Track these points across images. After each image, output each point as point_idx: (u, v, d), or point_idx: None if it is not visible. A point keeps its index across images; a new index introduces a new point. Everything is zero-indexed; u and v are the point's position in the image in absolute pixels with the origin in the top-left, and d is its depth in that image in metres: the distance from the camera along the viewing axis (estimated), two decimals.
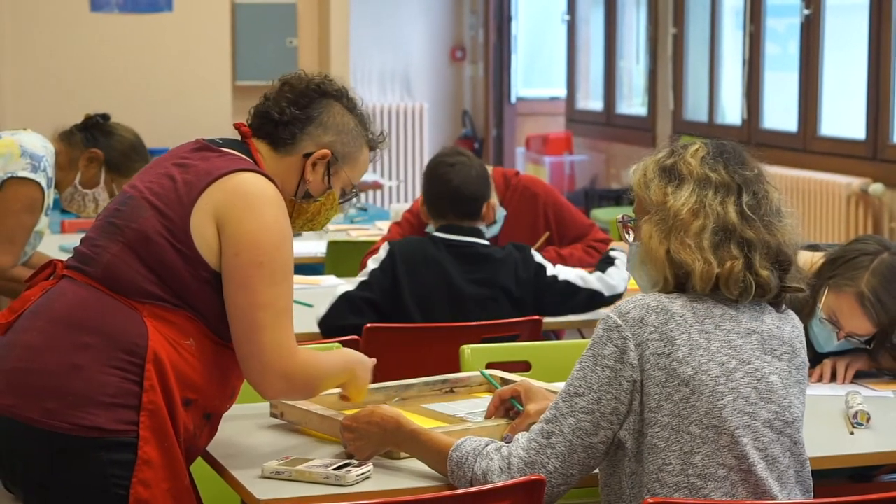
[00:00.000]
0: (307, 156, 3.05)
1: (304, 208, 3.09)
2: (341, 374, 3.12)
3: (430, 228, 4.63)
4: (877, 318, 3.61)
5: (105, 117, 4.76)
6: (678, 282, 2.77)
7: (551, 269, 4.59)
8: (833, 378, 3.73)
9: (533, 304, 4.52)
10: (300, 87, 3.08)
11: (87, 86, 9.46)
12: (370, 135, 3.15)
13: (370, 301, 4.41)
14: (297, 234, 3.14)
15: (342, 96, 3.12)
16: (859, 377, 3.74)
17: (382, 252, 4.46)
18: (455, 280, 4.44)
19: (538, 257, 4.59)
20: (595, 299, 4.64)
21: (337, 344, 3.85)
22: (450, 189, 4.55)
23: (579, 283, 4.61)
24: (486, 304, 4.44)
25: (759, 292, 2.77)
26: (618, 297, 4.64)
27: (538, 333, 4.42)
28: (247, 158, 3.00)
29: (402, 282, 4.41)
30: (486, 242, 4.54)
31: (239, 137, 3.08)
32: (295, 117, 3.05)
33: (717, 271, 2.73)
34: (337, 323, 4.40)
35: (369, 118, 3.17)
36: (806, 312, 3.62)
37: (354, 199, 3.19)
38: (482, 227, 4.61)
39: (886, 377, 3.76)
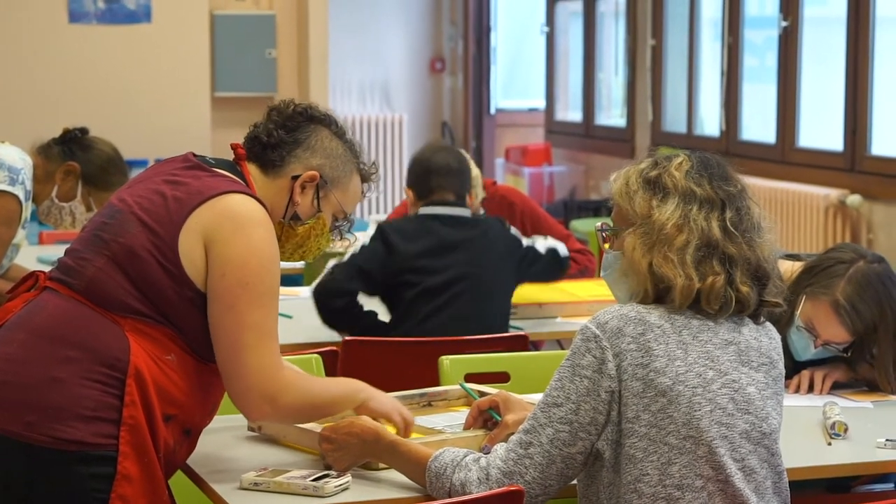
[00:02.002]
0: (295, 178, 3.06)
1: (292, 231, 3.08)
2: (346, 401, 3.08)
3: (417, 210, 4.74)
4: (852, 325, 3.63)
5: (83, 131, 4.75)
6: (658, 295, 2.78)
7: (525, 241, 4.73)
8: (811, 389, 3.74)
9: (512, 267, 4.66)
10: (287, 111, 3.11)
11: (65, 97, 9.45)
12: (361, 164, 3.16)
13: (363, 270, 4.53)
14: (286, 260, 3.13)
15: (331, 123, 3.14)
16: (837, 388, 3.75)
17: (371, 229, 4.64)
18: (445, 238, 4.57)
19: (513, 230, 4.73)
20: (557, 256, 4.79)
21: (316, 355, 3.85)
22: (434, 166, 4.67)
23: (539, 247, 4.76)
24: (467, 266, 4.56)
25: (738, 307, 2.78)
26: (566, 258, 4.82)
27: (524, 349, 4.42)
28: (238, 180, 3.00)
29: (396, 247, 4.53)
30: (468, 211, 4.67)
31: (231, 158, 3.09)
32: (282, 140, 3.06)
33: (699, 286, 2.74)
34: (335, 287, 4.54)
35: (360, 147, 3.18)
36: (784, 321, 3.63)
37: (347, 228, 3.17)
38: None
39: (864, 388, 3.77)
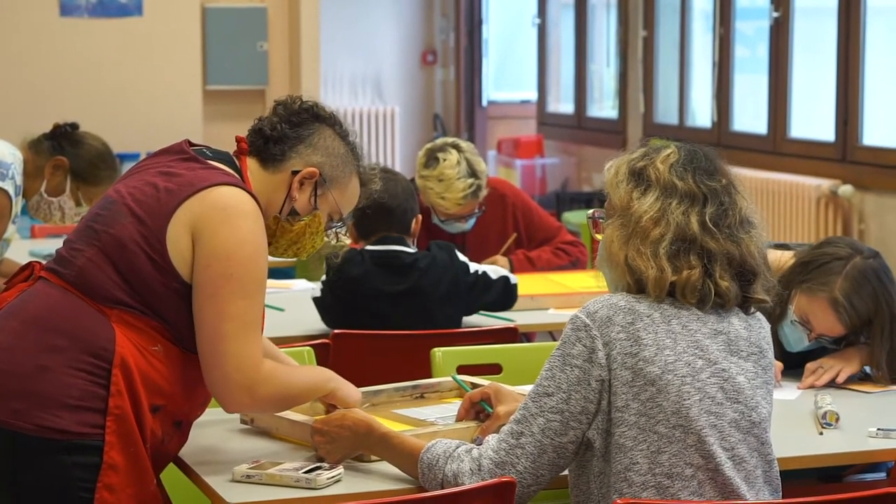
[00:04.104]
0: (295, 173, 3.06)
1: (287, 227, 3.08)
2: (315, 390, 3.09)
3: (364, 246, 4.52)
4: (849, 321, 3.66)
5: (73, 126, 4.74)
6: (638, 287, 2.78)
7: (473, 266, 4.54)
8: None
9: (457, 303, 4.50)
10: (293, 106, 3.11)
11: (56, 91, 9.44)
12: (362, 168, 3.16)
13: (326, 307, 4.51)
14: (280, 257, 3.13)
15: (335, 123, 3.14)
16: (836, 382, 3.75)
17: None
18: (381, 292, 4.41)
19: (460, 256, 4.53)
20: (508, 284, 4.59)
21: (308, 348, 3.86)
22: (376, 205, 4.24)
23: (491, 274, 4.57)
24: (413, 314, 4.41)
25: (718, 301, 2.78)
26: (514, 285, 4.60)
27: (514, 341, 4.41)
28: (231, 172, 3.00)
29: (340, 297, 4.44)
30: (411, 250, 4.46)
31: (229, 150, 3.08)
32: (285, 135, 3.07)
33: (673, 279, 2.74)
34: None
35: (362, 150, 3.18)
36: (777, 314, 3.66)
37: (343, 231, 3.17)
38: (410, 240, 4.51)
39: (858, 379, 3.77)
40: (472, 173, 5.36)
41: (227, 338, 2.87)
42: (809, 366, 3.73)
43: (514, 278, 4.63)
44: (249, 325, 2.89)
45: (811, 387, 3.68)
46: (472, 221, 5.48)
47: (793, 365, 3.77)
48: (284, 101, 3.13)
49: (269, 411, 3.11)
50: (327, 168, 3.08)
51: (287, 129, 3.07)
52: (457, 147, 5.38)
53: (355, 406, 3.10)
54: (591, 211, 2.96)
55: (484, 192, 5.42)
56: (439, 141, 5.48)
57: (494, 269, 4.59)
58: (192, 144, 3.06)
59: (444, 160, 5.32)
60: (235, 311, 2.87)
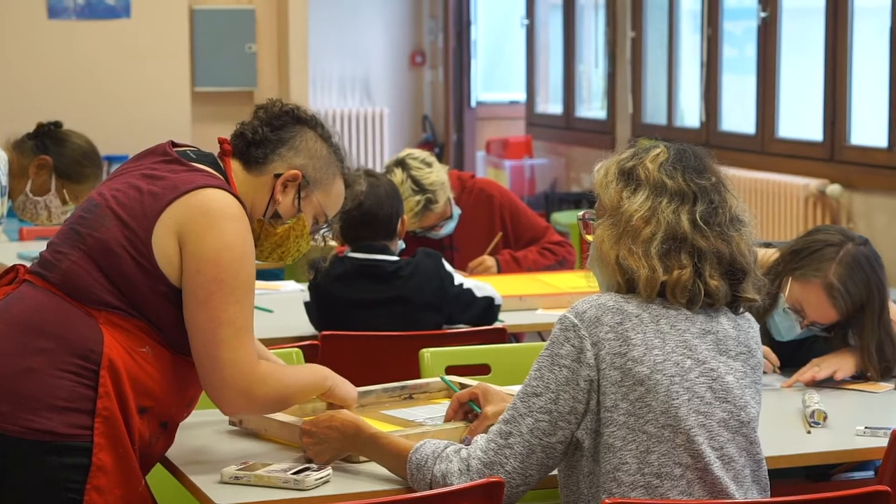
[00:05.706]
0: (278, 176, 3.05)
1: (271, 230, 3.07)
2: (312, 388, 3.10)
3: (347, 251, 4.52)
4: (843, 306, 3.66)
5: (57, 125, 4.73)
6: (629, 286, 2.79)
7: (458, 279, 4.51)
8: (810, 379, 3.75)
9: (440, 312, 4.48)
10: (273, 109, 3.10)
11: (45, 93, 9.43)
12: (346, 169, 3.15)
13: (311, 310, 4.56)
14: (264, 260, 3.13)
15: (316, 125, 3.13)
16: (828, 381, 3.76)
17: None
18: (362, 300, 4.41)
19: (447, 266, 4.51)
20: (491, 306, 4.55)
21: (297, 349, 3.86)
22: (362, 213, 4.40)
23: (476, 291, 4.53)
24: (396, 321, 4.40)
25: (707, 300, 2.78)
26: (497, 306, 4.58)
27: (503, 341, 4.41)
28: (216, 174, 2.99)
29: (321, 302, 4.46)
30: (393, 258, 4.44)
31: (215, 152, 3.08)
32: (266, 138, 3.06)
33: (664, 279, 2.74)
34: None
35: (345, 152, 3.17)
36: (767, 303, 3.65)
37: (330, 234, 3.17)
38: (394, 245, 4.50)
39: (852, 378, 3.78)
40: (420, 189, 5.29)
41: (222, 343, 2.88)
42: (805, 367, 3.73)
43: (498, 299, 4.58)
44: (243, 329, 2.90)
45: (812, 380, 3.68)
46: (449, 226, 5.47)
47: (781, 357, 3.78)
48: (265, 105, 3.12)
49: (266, 412, 3.11)
50: (310, 170, 3.08)
51: (268, 133, 3.06)
52: (401, 164, 5.31)
53: (353, 403, 3.12)
54: (581, 212, 2.95)
55: (441, 202, 5.32)
56: (390, 160, 5.44)
57: (479, 287, 4.56)
58: (175, 145, 3.06)
59: None
60: (228, 316, 2.88)
